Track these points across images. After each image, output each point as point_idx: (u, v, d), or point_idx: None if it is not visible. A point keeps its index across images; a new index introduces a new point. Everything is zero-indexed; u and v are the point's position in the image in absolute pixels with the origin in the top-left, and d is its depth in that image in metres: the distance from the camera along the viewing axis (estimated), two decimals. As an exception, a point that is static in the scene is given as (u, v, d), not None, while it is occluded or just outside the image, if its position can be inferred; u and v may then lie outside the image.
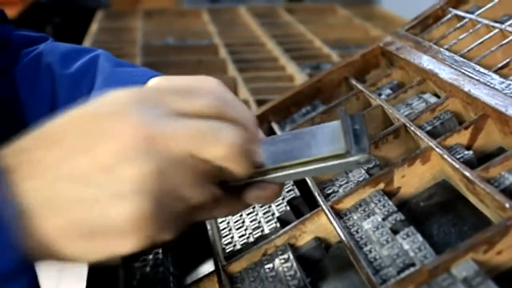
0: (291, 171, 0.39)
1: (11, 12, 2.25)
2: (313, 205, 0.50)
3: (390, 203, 0.45)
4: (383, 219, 0.44)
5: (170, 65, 1.33)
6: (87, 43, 1.53)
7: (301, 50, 1.45)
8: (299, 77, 1.17)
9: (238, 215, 0.55)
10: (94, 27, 1.77)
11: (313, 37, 1.56)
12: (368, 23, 1.70)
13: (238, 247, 0.50)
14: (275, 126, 0.67)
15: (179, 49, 1.51)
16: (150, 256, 0.56)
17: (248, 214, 0.54)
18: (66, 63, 0.50)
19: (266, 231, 0.50)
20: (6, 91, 0.49)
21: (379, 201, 0.46)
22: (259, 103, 0.95)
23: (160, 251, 0.56)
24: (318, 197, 0.49)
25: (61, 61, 0.50)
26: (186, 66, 1.33)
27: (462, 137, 0.47)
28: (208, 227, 0.55)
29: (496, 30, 0.56)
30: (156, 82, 0.45)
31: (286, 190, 0.54)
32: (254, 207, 0.55)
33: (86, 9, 2.50)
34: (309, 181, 0.52)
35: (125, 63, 0.51)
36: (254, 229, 0.51)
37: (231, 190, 0.40)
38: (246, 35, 1.66)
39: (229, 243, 0.52)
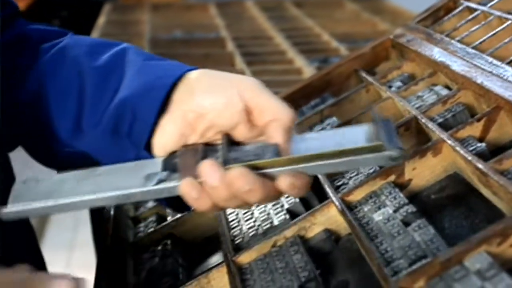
0: (326, 162, 0.41)
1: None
2: (323, 197, 0.50)
3: (401, 195, 0.45)
4: (394, 211, 0.44)
5: (178, 58, 1.31)
6: (94, 36, 1.53)
7: (309, 44, 1.44)
8: (307, 70, 1.17)
9: (247, 207, 0.54)
10: (101, 20, 1.77)
11: (321, 31, 1.55)
12: (376, 17, 1.69)
13: (247, 238, 0.50)
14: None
15: (186, 42, 1.51)
16: (159, 247, 0.56)
17: (257, 206, 0.54)
18: (93, 56, 0.49)
19: (276, 222, 0.50)
20: (30, 85, 0.49)
21: (390, 193, 0.46)
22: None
23: (169, 242, 0.56)
24: (328, 189, 0.49)
25: (87, 54, 0.49)
26: (193, 60, 1.32)
27: (474, 129, 0.47)
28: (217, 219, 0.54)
29: (509, 22, 0.56)
30: (197, 74, 0.45)
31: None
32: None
33: (93, 2, 2.50)
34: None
35: (154, 57, 0.50)
36: (263, 221, 0.51)
37: (267, 176, 0.41)
38: (253, 28, 1.65)
39: (238, 234, 0.51)
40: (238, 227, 0.52)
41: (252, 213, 0.53)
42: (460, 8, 0.65)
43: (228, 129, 0.44)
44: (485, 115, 0.47)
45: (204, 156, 0.43)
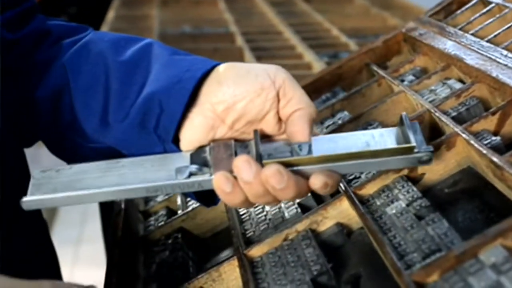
0: (360, 161, 0.41)
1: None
2: (335, 190, 0.49)
3: (414, 189, 0.45)
4: (408, 205, 0.43)
5: (187, 53, 1.32)
6: (103, 30, 1.53)
7: (318, 39, 1.43)
8: (317, 65, 1.16)
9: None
10: (110, 15, 1.78)
11: (330, 26, 1.54)
12: (386, 12, 1.68)
13: (258, 232, 0.50)
14: (294, 112, 0.66)
15: (195, 37, 1.51)
16: (170, 241, 0.56)
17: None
18: (118, 50, 0.48)
19: (287, 216, 0.50)
20: (52, 80, 0.49)
21: (403, 187, 0.45)
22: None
23: (179, 235, 0.56)
24: (340, 183, 0.48)
25: (112, 49, 0.49)
26: (202, 54, 1.32)
27: (489, 123, 0.47)
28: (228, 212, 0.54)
29: (524, 15, 0.55)
30: (225, 66, 0.45)
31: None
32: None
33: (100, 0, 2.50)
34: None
35: (180, 52, 0.49)
36: (274, 215, 0.51)
37: (300, 174, 0.42)
38: (263, 23, 1.65)
39: (249, 228, 0.51)
40: (249, 221, 0.52)
41: (263, 207, 0.53)
42: (474, 1, 0.64)
43: (259, 119, 0.44)
44: (500, 109, 0.46)
45: (236, 151, 0.43)
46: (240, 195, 0.42)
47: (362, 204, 0.45)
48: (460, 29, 0.61)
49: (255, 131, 0.44)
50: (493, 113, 0.46)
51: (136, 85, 0.46)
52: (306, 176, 0.42)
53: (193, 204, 0.60)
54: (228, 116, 0.44)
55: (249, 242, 0.49)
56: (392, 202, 0.44)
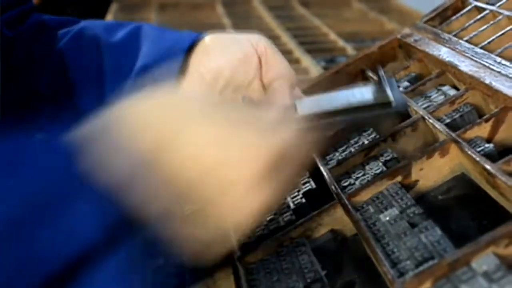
0: (341, 118, 0.45)
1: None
2: (329, 197, 0.50)
3: (408, 196, 0.45)
4: (401, 212, 0.43)
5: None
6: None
7: (316, 43, 1.44)
8: (314, 70, 1.17)
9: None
10: (108, 19, 1.78)
11: (328, 30, 1.55)
12: (383, 17, 1.69)
13: (253, 238, 0.50)
14: (290, 118, 0.67)
15: (193, 41, 1.51)
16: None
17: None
18: (111, 33, 0.51)
19: (282, 223, 0.50)
20: (52, 68, 0.52)
21: (397, 193, 0.46)
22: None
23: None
24: (334, 190, 0.49)
25: (105, 32, 0.52)
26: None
27: (482, 130, 0.47)
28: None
29: (518, 22, 0.55)
30: (210, 37, 0.48)
31: (302, 182, 0.54)
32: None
33: (100, 1, 2.51)
34: (325, 173, 0.52)
35: (168, 29, 0.53)
36: (269, 221, 0.51)
37: None
38: (260, 27, 1.65)
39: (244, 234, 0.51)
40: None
41: (258, 213, 0.53)
42: (469, 7, 0.64)
43: (245, 85, 0.47)
44: (493, 116, 0.47)
45: None
46: None
47: (356, 211, 0.46)
48: (454, 35, 0.61)
49: (243, 98, 0.46)
50: (486, 120, 0.47)
51: (128, 63, 0.49)
52: None
53: (189, 210, 0.60)
54: (216, 83, 0.46)
55: (244, 249, 0.49)
56: (385, 209, 0.44)
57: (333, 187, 0.49)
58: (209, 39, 0.47)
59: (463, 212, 0.43)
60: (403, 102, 0.45)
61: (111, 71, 0.50)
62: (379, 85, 0.46)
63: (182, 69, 0.46)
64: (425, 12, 0.71)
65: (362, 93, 0.46)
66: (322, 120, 0.44)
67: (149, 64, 0.48)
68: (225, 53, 0.47)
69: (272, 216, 0.51)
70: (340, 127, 0.49)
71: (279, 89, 0.46)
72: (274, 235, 0.48)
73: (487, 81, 0.49)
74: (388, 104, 0.44)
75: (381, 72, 0.46)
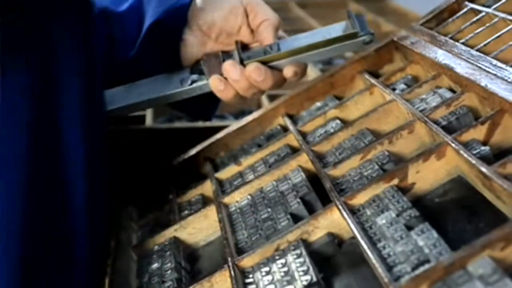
0: (317, 51, 0.56)
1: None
2: (326, 201, 0.50)
3: (405, 199, 0.45)
4: (397, 215, 0.43)
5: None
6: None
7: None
8: (312, 72, 1.17)
9: (251, 211, 0.54)
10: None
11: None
12: (380, 18, 1.69)
13: (250, 242, 0.50)
14: (287, 121, 0.67)
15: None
16: (162, 251, 0.56)
17: (260, 211, 0.54)
18: (117, 4, 0.60)
19: (279, 226, 0.50)
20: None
21: (393, 196, 0.46)
22: (271, 98, 0.95)
23: (172, 245, 0.56)
24: (331, 193, 0.49)
25: (112, 4, 0.60)
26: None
27: (478, 132, 0.47)
28: (220, 222, 0.54)
29: (514, 24, 0.55)
30: None
31: (299, 185, 0.54)
32: (267, 205, 0.54)
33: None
34: (322, 177, 0.52)
35: None
36: (266, 225, 0.51)
37: (274, 68, 0.57)
38: (257, 30, 1.65)
39: (242, 238, 0.51)
40: (242, 231, 0.52)
41: (256, 217, 0.53)
42: (465, 10, 0.64)
43: (235, 32, 0.58)
44: (489, 118, 0.47)
45: (223, 59, 0.57)
46: (231, 91, 0.56)
47: (353, 214, 0.46)
48: (451, 37, 0.61)
49: (236, 42, 0.57)
50: (482, 123, 0.47)
51: (134, 28, 0.59)
52: (279, 70, 0.56)
53: (186, 212, 0.60)
54: (211, 32, 0.58)
55: (241, 252, 0.49)
56: (382, 212, 0.44)
57: (329, 190, 0.49)
58: None
59: (460, 215, 0.43)
60: (368, 32, 0.55)
61: (120, 38, 0.58)
62: (349, 21, 0.57)
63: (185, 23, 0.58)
64: (421, 13, 0.71)
65: (335, 29, 0.57)
66: (301, 54, 0.55)
67: (157, 21, 0.58)
68: (216, 7, 0.57)
69: (269, 220, 0.51)
70: (317, 59, 0.62)
71: (265, 30, 0.57)
72: (271, 239, 0.48)
73: (483, 84, 0.49)
74: (355, 34, 0.55)
75: (349, 10, 0.58)
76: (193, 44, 0.59)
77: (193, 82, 0.57)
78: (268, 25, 0.57)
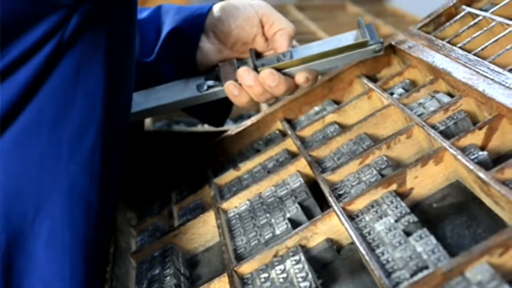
0: (328, 58, 0.57)
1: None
2: (325, 206, 0.50)
3: (403, 204, 0.45)
4: (396, 221, 0.43)
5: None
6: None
7: (311, 47, 1.44)
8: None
9: (250, 217, 0.54)
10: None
11: (323, 34, 1.55)
12: (378, 20, 1.69)
13: (249, 248, 0.50)
14: (286, 125, 0.67)
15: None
16: (161, 257, 0.56)
17: (259, 216, 0.54)
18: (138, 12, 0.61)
19: (277, 232, 0.50)
20: None
21: (392, 202, 0.46)
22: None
23: (171, 251, 0.56)
24: (329, 198, 0.49)
25: None
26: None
27: (476, 137, 0.47)
28: (219, 228, 0.54)
29: (511, 28, 0.55)
30: (221, 4, 0.61)
31: (298, 190, 0.54)
32: (266, 210, 0.54)
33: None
34: (320, 182, 0.52)
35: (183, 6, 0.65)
36: (265, 230, 0.51)
37: (287, 74, 0.58)
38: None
39: (241, 243, 0.51)
40: (240, 236, 0.52)
41: (255, 223, 0.53)
42: (462, 14, 0.64)
43: (250, 40, 0.60)
44: (487, 123, 0.47)
45: (238, 66, 0.59)
46: (245, 96, 0.58)
47: (352, 219, 0.46)
48: (448, 42, 0.61)
49: (251, 50, 0.60)
50: (480, 128, 0.47)
51: (152, 36, 0.61)
52: (292, 76, 0.58)
53: (185, 218, 0.60)
54: (227, 41, 0.60)
55: (240, 258, 0.49)
56: (380, 217, 0.44)
57: (328, 195, 0.49)
58: (219, 6, 0.61)
59: (458, 220, 0.44)
60: (378, 40, 0.57)
61: (139, 44, 0.59)
62: (359, 29, 0.58)
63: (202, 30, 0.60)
64: (420, 16, 0.71)
65: (346, 38, 0.59)
66: (313, 61, 0.57)
67: (175, 28, 0.60)
68: (232, 17, 0.60)
69: (267, 226, 0.52)
70: (329, 67, 0.60)
71: (280, 38, 0.59)
72: (269, 245, 0.48)
73: (480, 89, 0.49)
74: (365, 43, 0.57)
75: (360, 19, 0.59)
76: (210, 52, 0.61)
77: (209, 87, 0.59)
78: (284, 33, 0.59)
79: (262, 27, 0.59)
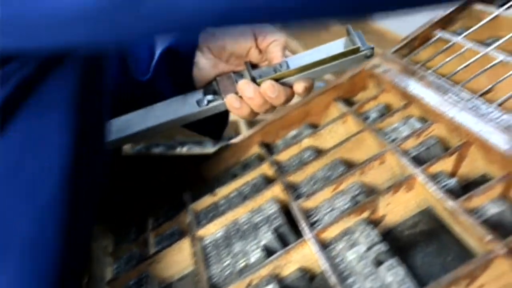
0: (325, 66, 0.58)
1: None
2: (299, 232, 0.49)
3: (375, 232, 0.45)
4: (368, 249, 0.43)
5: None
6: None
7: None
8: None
9: (225, 243, 0.54)
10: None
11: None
12: (361, 38, 1.70)
13: (223, 277, 0.50)
14: (263, 150, 0.67)
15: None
16: (137, 286, 0.55)
17: (234, 243, 0.54)
18: None
19: (252, 260, 0.50)
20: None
21: (364, 229, 0.46)
22: (250, 123, 0.95)
23: (146, 280, 0.55)
24: (303, 226, 0.49)
25: None
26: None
27: (446, 163, 0.47)
28: (194, 256, 0.54)
29: (481, 54, 0.56)
30: None
31: (273, 217, 0.54)
32: (241, 237, 0.54)
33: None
34: (294, 209, 0.52)
35: None
36: (238, 259, 0.51)
37: (286, 84, 0.59)
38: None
39: (216, 272, 0.51)
40: (216, 264, 0.52)
41: (230, 250, 0.53)
42: (434, 38, 0.65)
43: (245, 53, 0.61)
44: (457, 150, 0.47)
45: (235, 79, 0.60)
46: (246, 108, 0.59)
47: (324, 248, 0.46)
48: (422, 65, 0.62)
49: (246, 62, 0.60)
50: (450, 154, 0.47)
51: (147, 52, 0.61)
52: (290, 85, 0.59)
53: (160, 246, 0.60)
54: (222, 55, 0.61)
55: (214, 287, 0.49)
56: (353, 246, 0.45)
57: (302, 223, 0.49)
58: None
59: (429, 248, 0.44)
60: (369, 46, 0.58)
61: (133, 63, 0.60)
62: (349, 36, 0.59)
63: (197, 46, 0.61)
64: (403, 34, 0.72)
65: (337, 45, 0.60)
66: (309, 70, 0.58)
67: (170, 46, 0.60)
68: (226, 32, 0.60)
69: (241, 254, 0.51)
70: (324, 74, 0.60)
71: (274, 50, 0.59)
72: (243, 274, 0.48)
73: (450, 115, 0.49)
74: (357, 49, 0.58)
75: (349, 27, 0.60)
76: (205, 67, 0.61)
77: (209, 102, 0.60)
78: (277, 44, 0.60)
79: (256, 39, 0.60)
